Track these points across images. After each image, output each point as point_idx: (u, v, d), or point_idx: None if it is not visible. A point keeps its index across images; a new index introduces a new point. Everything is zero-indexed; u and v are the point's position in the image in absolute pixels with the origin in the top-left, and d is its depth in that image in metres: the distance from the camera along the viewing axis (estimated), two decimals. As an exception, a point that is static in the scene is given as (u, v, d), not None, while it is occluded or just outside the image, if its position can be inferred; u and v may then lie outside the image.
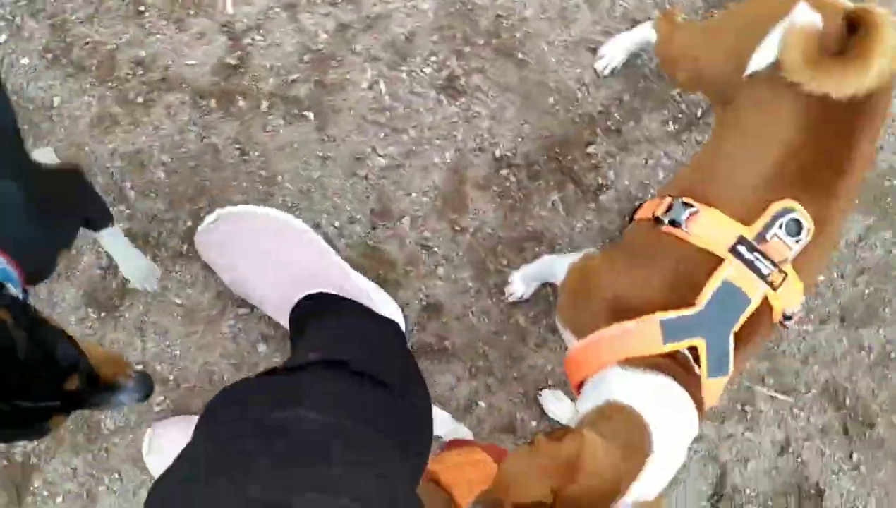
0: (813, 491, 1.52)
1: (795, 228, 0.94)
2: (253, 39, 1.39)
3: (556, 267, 1.19)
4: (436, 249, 1.42)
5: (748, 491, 1.51)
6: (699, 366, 0.93)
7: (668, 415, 0.90)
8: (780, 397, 1.50)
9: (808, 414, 1.50)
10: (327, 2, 1.40)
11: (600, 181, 1.44)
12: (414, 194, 1.41)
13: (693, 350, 0.93)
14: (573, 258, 1.13)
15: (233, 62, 1.38)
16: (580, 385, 0.99)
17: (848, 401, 1.51)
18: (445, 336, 1.42)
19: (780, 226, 0.93)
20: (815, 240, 0.95)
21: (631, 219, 1.07)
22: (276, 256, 1.28)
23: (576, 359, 1.00)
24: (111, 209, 1.27)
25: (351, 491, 0.68)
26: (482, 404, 1.44)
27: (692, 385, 0.93)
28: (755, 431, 1.49)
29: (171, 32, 1.38)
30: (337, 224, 1.40)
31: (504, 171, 1.42)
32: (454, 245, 1.42)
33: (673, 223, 0.97)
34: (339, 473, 0.71)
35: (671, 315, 0.92)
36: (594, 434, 0.84)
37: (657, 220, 0.99)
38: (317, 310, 1.23)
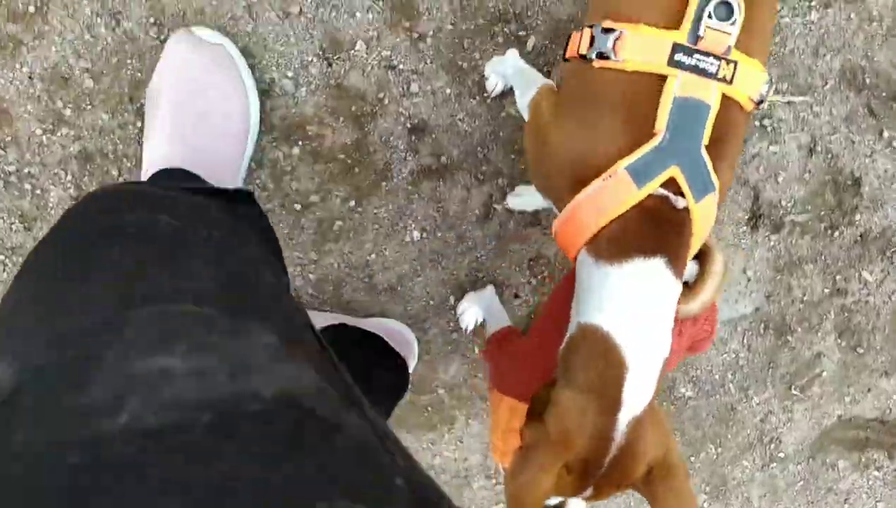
0: (849, 182, 1.48)
1: (725, 11, 0.82)
2: None
3: (520, 82, 1.09)
4: (401, 66, 1.30)
5: (784, 203, 1.47)
6: (683, 196, 0.85)
7: (641, 322, 0.85)
8: (798, 99, 1.41)
9: (830, 107, 1.43)
10: None
11: (553, -70, 1.27)
12: (358, 14, 1.27)
13: (673, 182, 0.85)
14: (533, 80, 1.02)
15: (111, -69, 1.20)
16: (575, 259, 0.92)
17: (868, 80, 1.42)
18: (440, 152, 1.34)
19: (710, 16, 0.82)
20: (752, 9, 0.83)
21: (565, 59, 0.94)
22: (207, 128, 1.17)
23: (561, 235, 0.92)
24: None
25: (194, 292, 0.63)
26: (498, 207, 1.38)
27: (678, 231, 0.86)
28: (779, 143, 1.43)
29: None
30: (290, 73, 1.28)
31: (446, -45, 1.26)
32: (419, 54, 1.30)
33: (601, 56, 0.85)
34: (185, 271, 0.66)
35: (635, 157, 0.83)
36: (564, 397, 0.84)
37: (584, 58, 0.87)
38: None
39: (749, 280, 1.52)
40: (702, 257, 1.02)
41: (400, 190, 1.36)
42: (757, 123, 1.42)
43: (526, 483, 0.83)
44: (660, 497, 0.87)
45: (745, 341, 1.57)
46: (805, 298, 1.55)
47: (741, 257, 1.50)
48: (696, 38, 0.83)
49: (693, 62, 0.83)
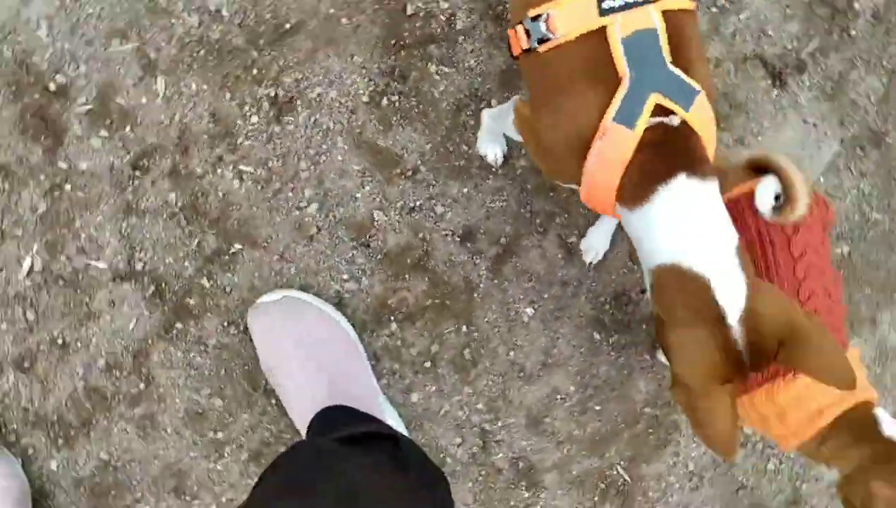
0: (826, -14, 1.47)
1: None
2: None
3: (502, 123, 1.17)
4: (418, 203, 1.40)
5: (788, 46, 1.48)
6: (675, 114, 0.90)
7: (695, 234, 0.90)
8: (729, -36, 1.44)
9: (759, -53, 1.44)
10: None
11: (443, 15, 1.37)
12: (357, 193, 1.38)
13: (659, 110, 0.89)
14: (507, 109, 1.10)
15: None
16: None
17: None
18: (496, 237, 1.42)
19: None
20: None
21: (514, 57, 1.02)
22: (324, 356, 1.30)
23: (592, 202, 0.99)
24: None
25: None
26: (573, 240, 1.44)
27: (685, 144, 0.91)
28: (745, 7, 1.45)
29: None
30: (345, 276, 1.39)
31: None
32: (423, 183, 1.40)
33: (542, 41, 0.92)
34: None
35: (614, 107, 0.89)
36: (676, 339, 0.90)
37: (529, 50, 0.95)
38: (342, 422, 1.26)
39: (815, 125, 1.51)
40: (777, 173, 1.04)
41: (490, 289, 1.44)
42: (713, 9, 1.45)
43: (714, 429, 0.89)
44: (803, 363, 0.89)
45: (854, 171, 1.54)
46: (872, 98, 1.53)
47: (794, 117, 1.50)
48: None
49: (620, 2, 0.89)
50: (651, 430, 1.52)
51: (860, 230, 1.57)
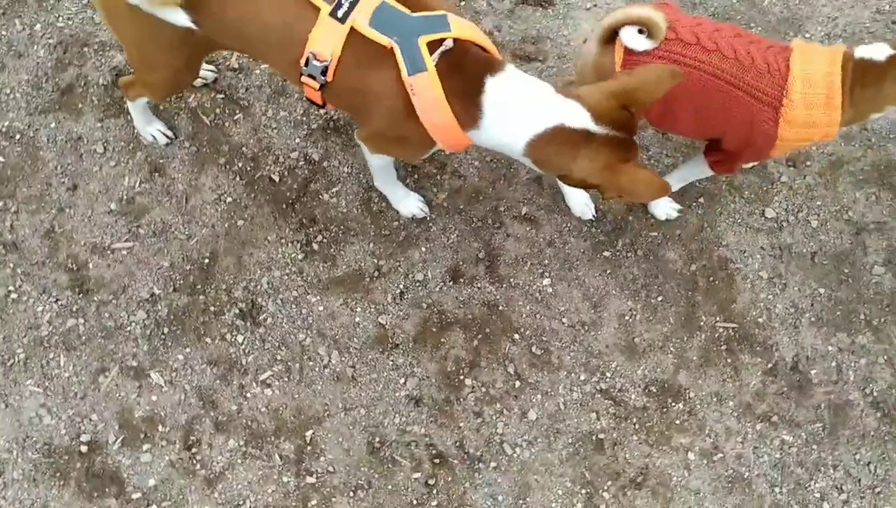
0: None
1: None
2: None
3: (384, 167, 1.48)
4: (416, 430, 1.53)
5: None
6: (444, 41, 1.13)
7: (529, 102, 1.18)
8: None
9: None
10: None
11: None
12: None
13: (432, 46, 1.12)
14: (368, 157, 1.42)
15: None
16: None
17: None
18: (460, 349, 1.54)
19: None
20: None
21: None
22: None
23: (452, 146, 1.24)
24: None
25: None
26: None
27: (467, 51, 1.16)
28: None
29: None
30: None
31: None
32: (415, 410, 1.53)
33: (324, 72, 1.14)
34: None
35: (402, 65, 1.11)
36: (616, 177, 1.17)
37: (324, 86, 1.17)
38: None
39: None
40: (624, 23, 1.26)
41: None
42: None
43: (645, 183, 1.16)
44: (643, 97, 1.14)
45: None
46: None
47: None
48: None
49: (346, 4, 1.11)
50: (712, 278, 1.59)
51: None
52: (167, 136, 1.57)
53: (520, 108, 1.16)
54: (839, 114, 1.24)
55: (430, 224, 1.58)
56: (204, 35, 1.18)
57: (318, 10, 1.11)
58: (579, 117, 1.14)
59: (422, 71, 1.11)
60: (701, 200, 1.63)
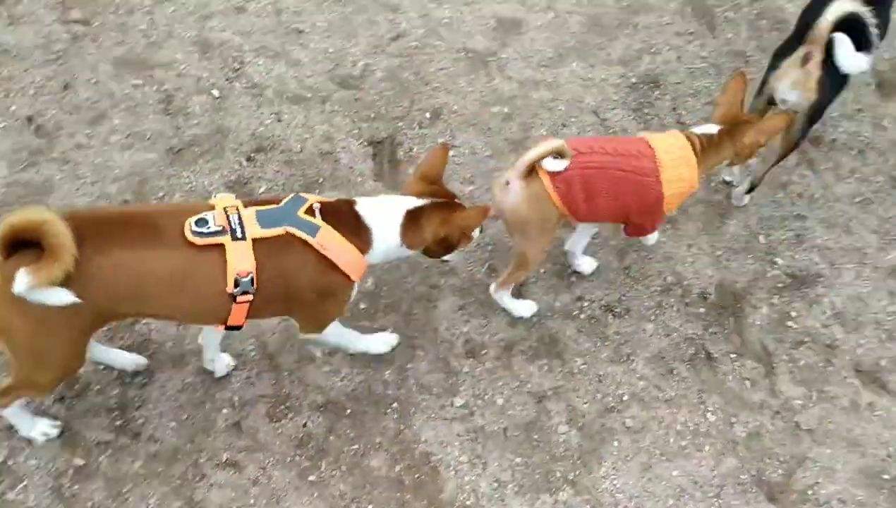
0: None
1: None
2: None
3: (344, 341, 1.79)
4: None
5: None
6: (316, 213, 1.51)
7: (387, 216, 1.60)
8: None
9: None
10: None
11: None
12: None
13: (309, 211, 1.49)
14: (322, 340, 1.72)
15: None
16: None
17: None
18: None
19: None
20: None
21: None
22: None
23: (359, 273, 1.56)
24: None
25: None
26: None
27: (338, 208, 1.55)
28: None
29: None
30: None
31: None
32: None
33: (253, 281, 1.43)
34: None
35: (306, 238, 1.47)
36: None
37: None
38: None
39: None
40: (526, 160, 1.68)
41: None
42: None
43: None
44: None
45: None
46: None
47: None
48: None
49: (216, 227, 1.41)
50: (417, 474, 1.65)
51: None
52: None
53: (384, 215, 1.58)
54: (696, 170, 1.74)
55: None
56: (92, 309, 1.37)
57: (219, 245, 1.40)
58: (412, 200, 1.60)
59: (318, 229, 1.47)
60: (395, 405, 1.75)
